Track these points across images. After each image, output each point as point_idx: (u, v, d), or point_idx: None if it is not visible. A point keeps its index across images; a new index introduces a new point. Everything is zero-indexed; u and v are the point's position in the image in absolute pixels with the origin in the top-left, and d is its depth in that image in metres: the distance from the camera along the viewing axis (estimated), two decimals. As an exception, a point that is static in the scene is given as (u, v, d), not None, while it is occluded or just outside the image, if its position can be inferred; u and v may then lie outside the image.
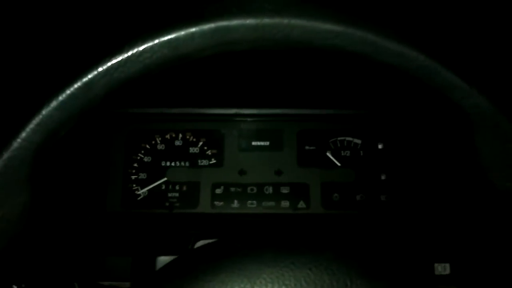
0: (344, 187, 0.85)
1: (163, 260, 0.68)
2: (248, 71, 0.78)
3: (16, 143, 0.34)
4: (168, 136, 0.86)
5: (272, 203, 0.84)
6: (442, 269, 0.68)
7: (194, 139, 0.86)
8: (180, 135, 0.86)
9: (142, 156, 0.85)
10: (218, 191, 0.84)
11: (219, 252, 0.38)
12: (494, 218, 0.62)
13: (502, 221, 0.45)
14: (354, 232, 0.81)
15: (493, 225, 0.64)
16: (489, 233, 0.67)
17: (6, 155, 0.34)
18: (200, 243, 0.72)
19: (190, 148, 0.86)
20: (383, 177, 0.85)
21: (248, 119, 0.86)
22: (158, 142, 0.86)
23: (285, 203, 0.84)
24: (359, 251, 0.38)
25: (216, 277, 0.35)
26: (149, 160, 0.85)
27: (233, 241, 0.39)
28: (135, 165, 0.85)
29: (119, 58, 0.35)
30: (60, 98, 0.35)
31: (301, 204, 0.84)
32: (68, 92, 0.35)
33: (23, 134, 0.34)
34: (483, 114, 0.37)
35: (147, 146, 0.86)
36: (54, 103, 0.35)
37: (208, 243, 0.41)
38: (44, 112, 0.35)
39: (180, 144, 0.86)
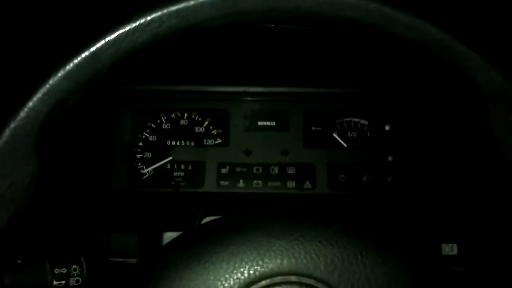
0: (351, 168, 0.84)
1: (169, 236, 0.68)
2: (254, 49, 0.77)
3: (23, 112, 0.34)
4: (173, 115, 0.86)
5: (278, 183, 0.84)
6: (450, 249, 0.68)
7: (200, 119, 0.86)
8: (186, 114, 0.86)
9: (148, 135, 0.85)
10: (223, 170, 0.84)
11: (228, 225, 0.38)
12: (502, 196, 0.61)
13: (511, 198, 0.45)
14: (362, 211, 0.81)
15: (501, 203, 0.64)
16: (497, 212, 0.67)
17: (13, 124, 0.34)
18: (207, 219, 0.72)
19: (196, 127, 0.85)
20: (390, 158, 0.84)
21: (254, 98, 0.85)
22: (164, 121, 0.85)
23: (291, 183, 0.84)
24: (369, 225, 0.38)
25: (225, 249, 0.35)
26: (155, 139, 0.85)
27: (242, 214, 0.39)
28: (141, 144, 0.85)
29: (127, 28, 0.35)
30: (68, 67, 0.34)
31: (307, 185, 0.84)
32: (75, 61, 0.34)
33: (30, 103, 0.34)
34: (497, 88, 0.36)
35: (153, 125, 0.85)
36: (61, 73, 0.34)
37: (218, 217, 0.41)
38: (51, 81, 0.34)
39: (186, 123, 0.86)
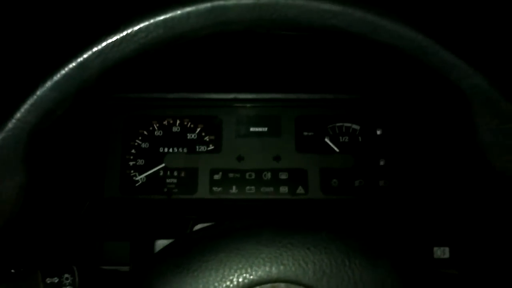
0: (343, 172, 0.85)
1: (161, 243, 0.68)
2: (245, 55, 0.78)
3: (11, 123, 0.34)
4: (165, 122, 0.86)
5: (270, 189, 0.84)
6: (441, 252, 0.68)
7: (192, 125, 0.86)
8: (178, 121, 0.86)
9: (140, 142, 0.85)
10: (216, 177, 0.84)
11: (217, 233, 0.38)
12: (492, 200, 0.62)
13: (500, 202, 0.45)
14: (353, 216, 0.81)
15: (492, 207, 0.64)
16: (488, 216, 0.67)
17: (0, 135, 0.34)
18: (198, 226, 0.72)
19: (188, 134, 0.86)
20: (381, 163, 0.85)
21: (247, 104, 0.86)
22: (156, 128, 0.86)
23: (283, 189, 0.84)
24: (358, 231, 0.38)
25: (214, 257, 0.35)
26: (147, 146, 0.85)
27: (231, 222, 0.39)
28: (133, 151, 0.85)
29: (114, 38, 0.35)
30: (55, 78, 0.35)
31: (300, 190, 0.84)
32: (63, 72, 0.35)
33: (18, 115, 0.34)
34: (481, 94, 0.37)
35: (145, 132, 0.85)
36: (49, 83, 0.34)
37: (207, 225, 0.41)
38: (38, 92, 0.34)
39: (178, 130, 0.86)
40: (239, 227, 0.38)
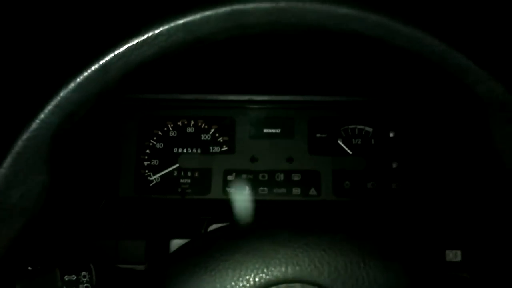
0: (355, 175, 0.85)
1: (176, 243, 0.69)
2: (259, 57, 0.78)
3: (35, 124, 0.35)
4: (180, 123, 0.87)
5: (283, 190, 0.84)
6: (453, 256, 0.68)
7: (206, 126, 0.86)
8: (192, 122, 0.87)
9: (155, 142, 0.86)
10: (229, 177, 0.85)
11: (234, 233, 0.39)
12: (505, 204, 0.61)
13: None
14: (366, 218, 0.81)
15: (505, 211, 0.64)
16: (501, 220, 0.67)
17: (25, 135, 0.35)
18: (213, 227, 0.73)
19: (202, 135, 0.86)
20: (394, 165, 0.85)
21: (260, 106, 0.86)
22: (170, 128, 0.86)
23: (296, 190, 0.85)
24: (372, 234, 0.39)
25: (231, 257, 0.36)
26: (161, 147, 0.86)
27: (248, 222, 0.40)
28: (148, 151, 0.86)
29: (136, 41, 0.36)
30: (78, 80, 0.35)
31: (312, 191, 0.84)
32: (85, 74, 0.35)
33: (42, 115, 0.35)
34: (497, 98, 0.37)
35: (160, 133, 0.86)
36: (72, 85, 0.35)
37: (223, 225, 0.42)
38: (62, 94, 0.35)
39: (192, 131, 0.86)
40: (256, 228, 0.39)
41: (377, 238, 0.38)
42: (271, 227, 0.38)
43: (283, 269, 0.35)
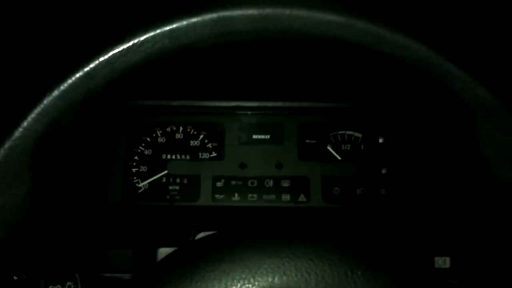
0: (345, 180, 0.85)
1: (164, 251, 0.69)
2: (249, 63, 0.78)
3: (18, 132, 0.34)
4: (168, 129, 0.86)
5: (272, 196, 0.84)
6: (442, 262, 0.68)
7: (195, 132, 0.86)
8: (181, 128, 0.86)
9: (143, 149, 0.85)
10: (218, 184, 0.84)
11: (220, 243, 0.39)
12: (494, 210, 0.62)
13: (502, 213, 0.45)
14: (354, 225, 0.81)
15: (494, 217, 0.64)
16: (490, 226, 0.67)
17: (7, 144, 0.34)
18: (201, 235, 0.72)
19: (191, 141, 0.86)
20: (383, 171, 0.85)
21: (249, 112, 0.86)
22: (159, 135, 0.86)
23: (285, 197, 0.84)
24: (360, 242, 0.39)
25: (217, 267, 0.35)
26: (150, 153, 0.86)
27: (234, 232, 0.39)
28: (136, 158, 0.85)
29: (121, 48, 0.35)
30: (62, 87, 0.35)
31: (302, 198, 0.84)
32: (69, 81, 0.35)
33: (25, 123, 0.34)
34: (484, 105, 0.37)
35: (148, 139, 0.86)
36: (55, 93, 0.35)
37: (209, 234, 0.41)
38: (45, 101, 0.35)
39: (181, 137, 0.86)
40: (242, 237, 0.38)
41: (365, 247, 0.38)
42: (258, 236, 0.38)
43: (270, 279, 0.35)
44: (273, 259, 0.36)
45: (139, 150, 0.85)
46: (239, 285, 0.35)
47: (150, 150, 0.86)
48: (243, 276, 0.35)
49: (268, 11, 0.36)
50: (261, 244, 0.37)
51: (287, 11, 0.36)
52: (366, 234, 0.76)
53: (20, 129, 0.34)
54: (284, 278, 0.35)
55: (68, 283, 0.49)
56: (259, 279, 0.35)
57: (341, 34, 0.36)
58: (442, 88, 0.38)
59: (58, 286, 0.48)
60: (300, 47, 0.72)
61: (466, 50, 0.38)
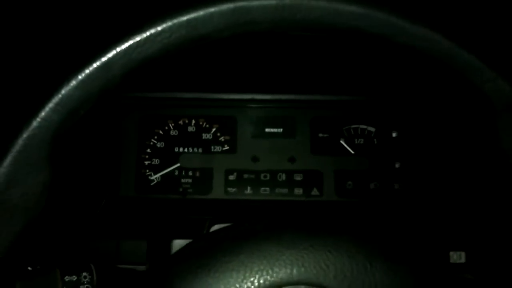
0: (358, 175, 0.84)
1: (178, 243, 0.69)
2: (261, 56, 0.78)
3: (36, 122, 0.34)
4: (181, 122, 0.86)
5: (285, 190, 0.84)
6: (458, 257, 0.68)
7: (207, 125, 0.86)
8: (193, 121, 0.86)
9: (155, 141, 0.85)
10: (231, 177, 0.84)
11: (238, 234, 0.38)
12: (510, 205, 0.61)
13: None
14: (371, 218, 0.81)
15: (509, 212, 0.64)
16: (505, 220, 0.66)
17: (26, 134, 0.34)
18: (216, 227, 0.72)
19: (203, 134, 0.86)
20: (397, 165, 0.84)
21: (262, 105, 0.86)
22: (171, 127, 0.86)
23: (298, 190, 0.84)
24: (378, 235, 0.38)
25: (235, 258, 0.35)
26: (162, 146, 0.86)
27: (252, 223, 0.39)
28: (148, 150, 0.85)
29: (138, 38, 0.35)
30: (80, 77, 0.35)
31: (315, 192, 0.84)
32: (87, 71, 0.35)
33: (43, 113, 0.34)
34: (505, 98, 0.36)
35: (160, 132, 0.86)
36: (73, 83, 0.35)
37: (226, 226, 0.41)
38: (63, 91, 0.35)
39: (193, 130, 0.86)
40: (260, 229, 0.38)
41: (383, 240, 0.38)
42: (276, 228, 0.38)
43: (288, 271, 0.35)
44: (292, 250, 0.36)
45: (151, 143, 0.85)
46: (257, 276, 0.35)
47: (163, 143, 0.86)
48: (261, 267, 0.35)
49: (286, 0, 0.35)
50: (279, 235, 0.37)
51: (306, 1, 0.35)
52: (383, 227, 0.76)
53: (39, 119, 0.34)
54: (303, 270, 0.35)
55: (84, 273, 0.49)
56: (278, 270, 0.35)
57: (361, 25, 0.36)
58: (462, 81, 0.37)
59: (74, 276, 0.48)
60: (315, 39, 0.71)
61: (487, 42, 0.37)
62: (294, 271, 0.35)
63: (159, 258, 0.69)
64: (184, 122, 0.86)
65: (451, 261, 0.68)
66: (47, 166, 0.35)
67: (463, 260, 0.68)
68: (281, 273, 0.35)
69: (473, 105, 0.39)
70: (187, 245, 0.40)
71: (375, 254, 0.36)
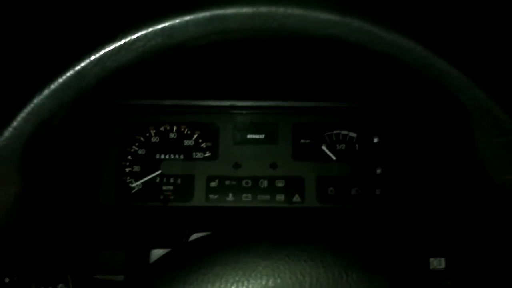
0: (340, 181, 0.84)
1: (157, 253, 0.68)
2: (243, 63, 0.78)
3: (7, 132, 0.34)
4: (162, 129, 0.85)
5: (267, 197, 0.84)
6: (438, 263, 0.68)
7: (189, 132, 0.85)
8: (175, 128, 0.86)
9: (136, 148, 0.85)
10: (212, 184, 0.84)
11: (213, 245, 0.38)
12: (490, 212, 0.61)
13: (498, 214, 0.45)
14: (349, 225, 0.81)
15: (489, 219, 0.64)
16: (485, 227, 0.67)
17: (-4, 144, 0.33)
18: (194, 236, 0.72)
19: (185, 140, 0.85)
20: (378, 171, 0.85)
21: (243, 111, 0.85)
22: (153, 134, 0.85)
23: (280, 197, 0.84)
24: (355, 244, 0.38)
25: (210, 270, 0.35)
26: (143, 153, 0.85)
27: (228, 234, 0.39)
28: (129, 157, 0.84)
29: (112, 47, 0.35)
30: (52, 86, 0.34)
31: (296, 198, 0.84)
32: (60, 80, 0.34)
33: (14, 123, 0.34)
34: (480, 106, 0.37)
35: (141, 139, 0.85)
36: (46, 92, 0.34)
37: (203, 236, 0.41)
38: (36, 100, 0.34)
39: (175, 136, 0.85)
40: (236, 239, 0.38)
41: (360, 249, 0.38)
42: (251, 238, 0.38)
43: (264, 282, 0.34)
44: (267, 261, 0.35)
45: (132, 150, 0.85)
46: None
47: (144, 150, 0.85)
48: (237, 279, 0.35)
49: (262, 9, 0.35)
50: (255, 246, 0.36)
51: (282, 10, 0.35)
52: (361, 235, 0.76)
53: (10, 129, 0.34)
54: (279, 280, 0.35)
55: (60, 285, 0.48)
56: (253, 281, 0.34)
57: (336, 33, 0.36)
58: (437, 88, 0.37)
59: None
60: (294, 46, 0.71)
61: (461, 50, 0.38)
62: (270, 282, 0.34)
63: (136, 268, 0.68)
64: (165, 128, 0.86)
65: (431, 267, 0.68)
66: (18, 177, 0.35)
67: (443, 266, 0.68)
68: (256, 284, 0.34)
69: (450, 112, 0.39)
70: (163, 256, 0.40)
71: (351, 263, 0.36)
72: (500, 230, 0.57)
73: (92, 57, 0.35)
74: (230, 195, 0.84)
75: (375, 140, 0.86)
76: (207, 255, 0.36)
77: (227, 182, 0.84)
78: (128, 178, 0.84)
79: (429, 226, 0.76)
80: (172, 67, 0.75)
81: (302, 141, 0.86)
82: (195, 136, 0.85)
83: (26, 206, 0.37)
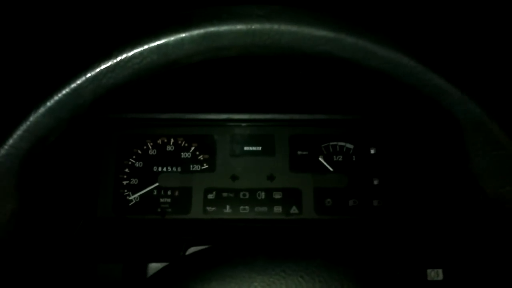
0: (337, 192, 0.85)
1: (154, 266, 0.68)
2: (240, 76, 0.78)
3: (3, 149, 0.34)
4: (159, 141, 0.86)
5: (264, 209, 0.84)
6: (435, 274, 0.68)
7: (186, 144, 0.86)
8: (172, 140, 0.86)
9: (134, 161, 0.85)
10: (210, 196, 0.84)
11: (210, 260, 0.38)
12: (485, 223, 0.62)
13: (492, 227, 0.45)
14: (346, 237, 0.81)
15: (485, 230, 0.64)
16: (481, 238, 0.67)
17: (-8, 162, 0.34)
18: (192, 249, 0.72)
19: (182, 153, 0.85)
20: (375, 182, 0.85)
21: (240, 124, 0.86)
22: (150, 147, 0.85)
23: (277, 209, 0.84)
24: (350, 258, 0.38)
25: (207, 285, 0.35)
26: (141, 166, 0.85)
27: (224, 249, 0.39)
28: (127, 170, 0.85)
29: (108, 64, 0.35)
30: (48, 104, 0.34)
31: (294, 210, 0.84)
32: (56, 98, 0.35)
33: (10, 141, 0.34)
34: (473, 120, 0.37)
35: (139, 151, 0.85)
36: (42, 109, 0.34)
37: (200, 250, 0.41)
38: (32, 118, 0.34)
39: (172, 149, 0.86)
40: (232, 254, 0.38)
41: (356, 263, 0.38)
42: (248, 253, 0.38)
43: (260, 297, 0.35)
44: (263, 276, 0.35)
45: (129, 163, 0.85)
46: (228, 303, 0.35)
47: (141, 163, 0.85)
48: (233, 294, 0.35)
49: (256, 26, 0.36)
50: (251, 261, 0.37)
51: (276, 27, 0.36)
52: (357, 249, 0.76)
53: (6, 147, 0.34)
54: (274, 296, 0.35)
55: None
56: (249, 297, 0.35)
57: (330, 50, 0.36)
58: (431, 103, 0.38)
59: (46, 304, 0.48)
60: (290, 61, 0.72)
61: (455, 65, 0.38)
62: (266, 297, 0.35)
63: (134, 282, 0.68)
64: (162, 141, 0.86)
65: (429, 278, 0.68)
66: (15, 194, 0.35)
67: (440, 277, 0.68)
68: (252, 299, 0.34)
69: (444, 126, 0.39)
70: (159, 271, 0.40)
71: (348, 277, 0.36)
72: (495, 241, 0.57)
73: (88, 75, 0.35)
74: (228, 207, 0.84)
75: (372, 151, 0.86)
76: (204, 270, 0.36)
77: (225, 194, 0.84)
78: (126, 190, 0.84)
79: (426, 237, 0.76)
80: (169, 80, 0.75)
81: (299, 152, 0.86)
82: (192, 148, 0.85)
83: (23, 221, 0.37)
